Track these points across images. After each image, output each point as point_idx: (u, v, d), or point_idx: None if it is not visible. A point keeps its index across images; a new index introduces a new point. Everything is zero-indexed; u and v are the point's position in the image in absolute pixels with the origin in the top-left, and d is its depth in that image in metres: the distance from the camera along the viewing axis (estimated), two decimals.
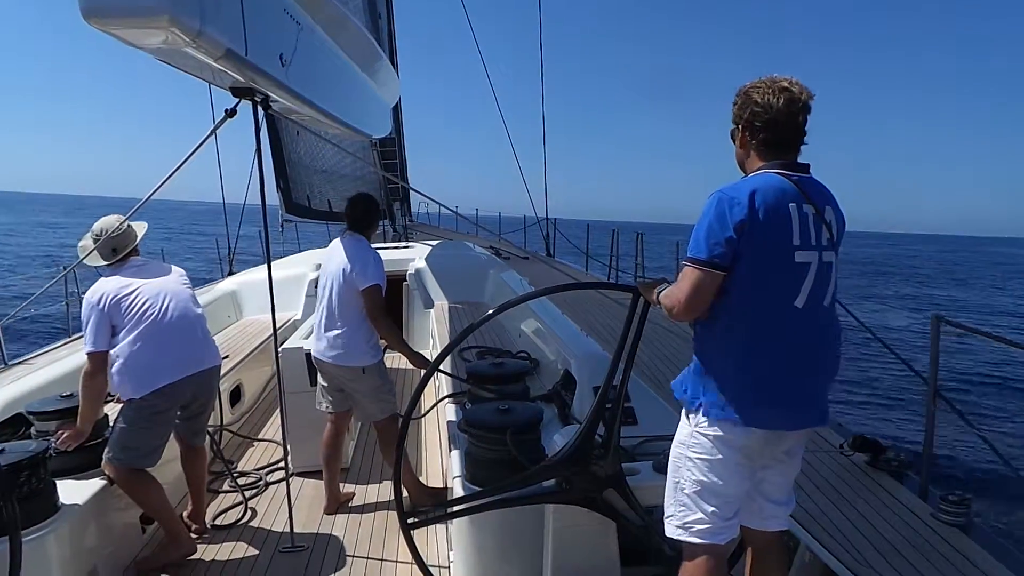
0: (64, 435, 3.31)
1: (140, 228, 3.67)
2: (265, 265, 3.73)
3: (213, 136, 3.74)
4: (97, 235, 3.53)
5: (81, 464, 3.38)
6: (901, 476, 3.41)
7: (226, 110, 3.39)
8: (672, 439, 2.33)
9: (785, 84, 2.11)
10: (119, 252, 3.52)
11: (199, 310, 3.67)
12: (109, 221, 3.57)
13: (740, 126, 2.18)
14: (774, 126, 2.11)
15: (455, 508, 2.86)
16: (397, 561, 3.55)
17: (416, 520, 2.87)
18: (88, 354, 3.29)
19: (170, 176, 3.83)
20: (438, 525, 3.81)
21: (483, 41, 13.46)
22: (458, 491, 2.96)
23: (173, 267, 3.73)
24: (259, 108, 3.45)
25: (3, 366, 5.21)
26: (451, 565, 3.26)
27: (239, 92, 3.28)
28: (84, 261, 3.67)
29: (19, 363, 5.26)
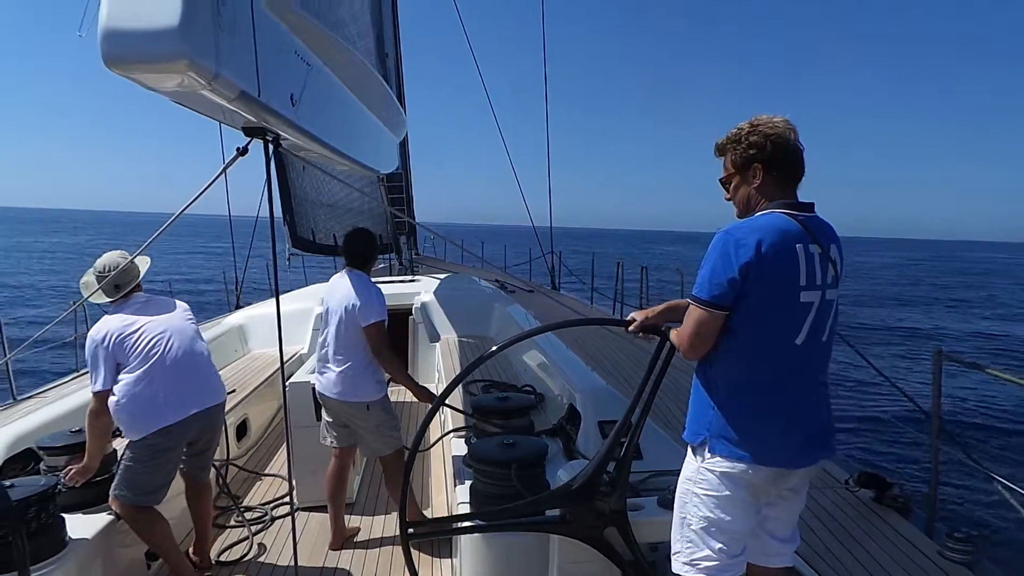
0: (72, 471, 3.32)
1: (143, 263, 3.67)
2: (272, 299, 3.76)
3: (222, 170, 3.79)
4: (100, 272, 3.52)
5: (89, 499, 3.39)
6: (907, 513, 3.40)
7: (238, 148, 3.45)
8: (677, 474, 2.34)
9: (779, 121, 2.16)
10: (122, 288, 3.52)
11: (204, 346, 3.67)
12: (112, 257, 3.56)
13: (761, 163, 2.18)
14: (793, 161, 2.17)
15: (457, 525, 2.89)
16: None
17: (416, 531, 2.88)
18: (94, 393, 3.30)
19: (180, 213, 3.89)
20: (443, 559, 3.81)
21: (486, 61, 13.59)
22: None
23: (177, 302, 3.73)
24: (270, 147, 3.51)
25: (12, 401, 5.23)
26: None
27: (251, 131, 3.35)
28: (86, 298, 3.69)
29: (28, 398, 5.29)
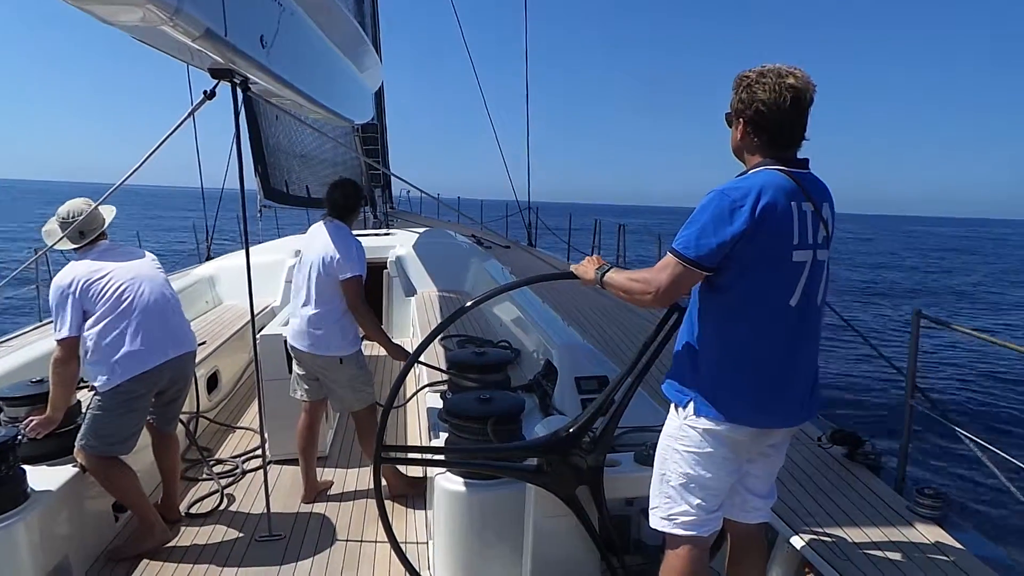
0: (34, 422, 3.24)
1: (108, 212, 3.57)
2: (243, 250, 3.66)
3: (190, 118, 3.65)
4: (63, 219, 3.43)
5: (52, 451, 3.31)
6: (878, 470, 3.43)
7: (204, 92, 3.31)
8: (653, 430, 2.32)
9: (792, 81, 2.01)
10: (87, 236, 3.44)
11: (174, 294, 3.61)
12: (75, 204, 3.46)
13: (743, 120, 2.10)
14: (780, 127, 2.06)
15: (429, 456, 2.94)
16: (376, 542, 3.54)
17: (390, 456, 2.90)
18: (59, 340, 3.21)
19: (145, 160, 3.74)
20: (416, 511, 3.81)
21: (469, 28, 13.25)
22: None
23: (145, 252, 3.65)
24: (238, 90, 3.37)
25: None
26: (430, 550, 3.23)
27: (218, 73, 3.21)
28: (51, 246, 3.57)
29: None
